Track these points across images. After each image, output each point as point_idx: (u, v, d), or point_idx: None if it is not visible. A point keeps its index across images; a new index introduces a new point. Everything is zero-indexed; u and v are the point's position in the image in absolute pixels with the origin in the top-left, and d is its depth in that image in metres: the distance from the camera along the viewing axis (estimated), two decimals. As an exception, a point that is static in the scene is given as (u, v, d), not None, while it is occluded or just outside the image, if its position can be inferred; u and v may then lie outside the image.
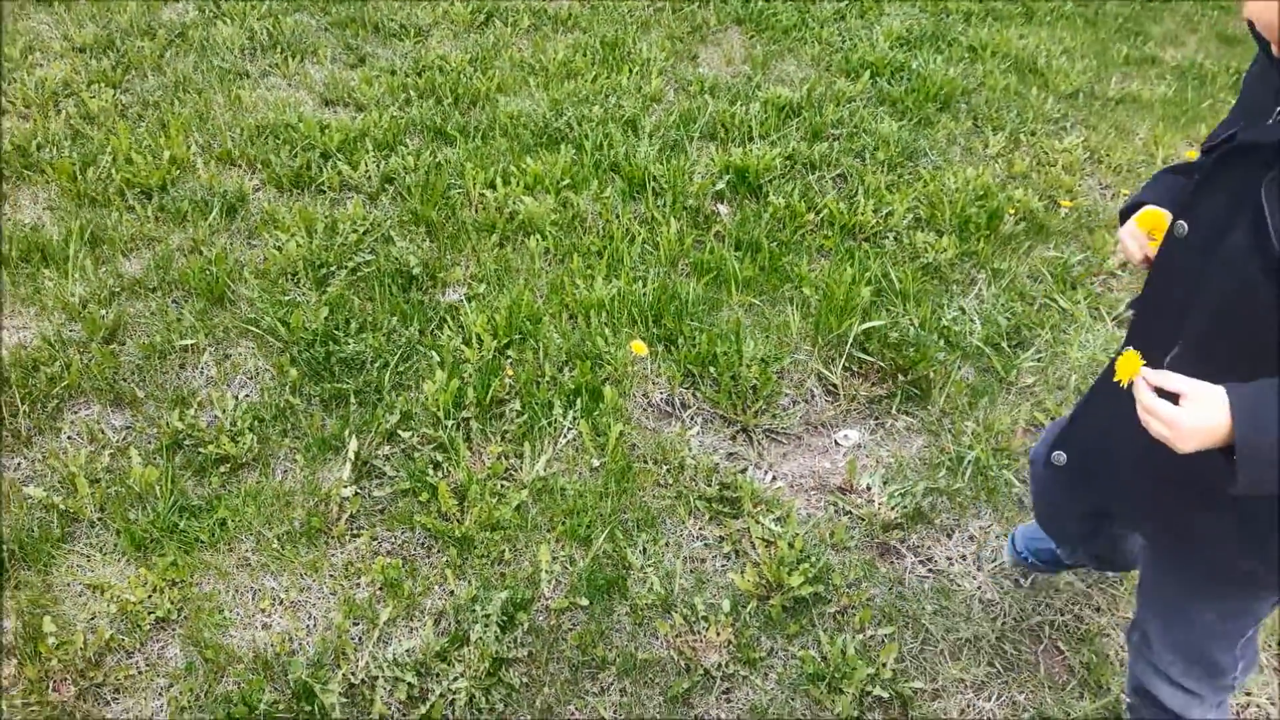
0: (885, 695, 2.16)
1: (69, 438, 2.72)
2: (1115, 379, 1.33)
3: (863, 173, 3.93)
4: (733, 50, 5.02)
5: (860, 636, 2.27)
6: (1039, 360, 3.08)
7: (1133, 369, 1.32)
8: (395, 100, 4.38)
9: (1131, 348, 1.32)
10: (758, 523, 2.51)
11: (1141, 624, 1.75)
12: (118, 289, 3.22)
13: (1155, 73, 5.10)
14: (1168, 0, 6.10)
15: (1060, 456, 1.67)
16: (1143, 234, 1.51)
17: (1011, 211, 3.72)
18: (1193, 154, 4.22)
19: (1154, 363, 1.34)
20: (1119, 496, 1.65)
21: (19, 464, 2.64)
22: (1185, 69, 5.16)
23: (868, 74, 4.69)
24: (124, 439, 2.72)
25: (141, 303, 3.18)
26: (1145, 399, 1.28)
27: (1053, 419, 2.85)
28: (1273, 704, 2.21)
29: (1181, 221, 1.38)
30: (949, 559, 2.49)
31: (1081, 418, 1.68)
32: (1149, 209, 1.50)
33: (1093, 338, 3.17)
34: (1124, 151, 4.24)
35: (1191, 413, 1.22)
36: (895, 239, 3.58)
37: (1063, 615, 2.36)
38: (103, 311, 3.11)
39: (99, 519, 2.50)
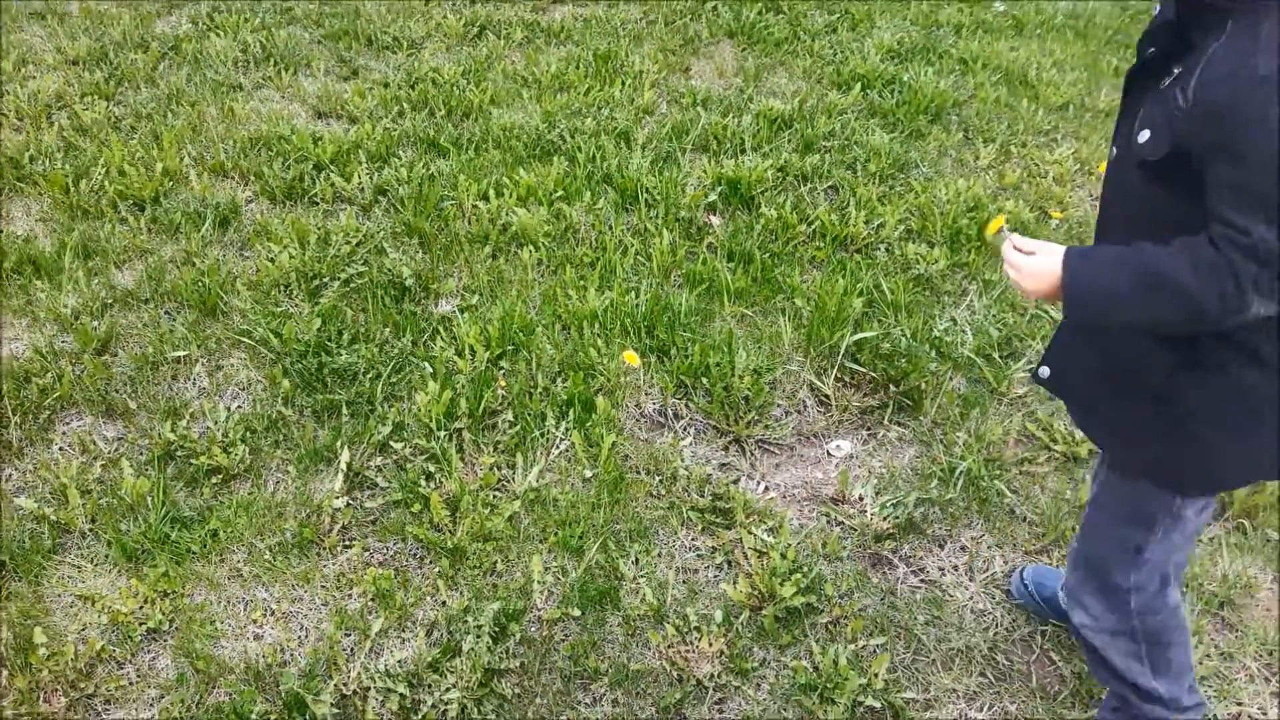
0: (877, 705, 2.16)
1: (61, 449, 2.72)
2: (986, 234, 1.64)
3: (854, 184, 3.95)
4: (725, 63, 5.04)
5: (852, 647, 2.27)
6: (1030, 371, 3.09)
7: (996, 225, 1.67)
8: (388, 112, 4.40)
9: (1001, 215, 1.64)
10: (750, 533, 2.51)
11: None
12: (110, 300, 3.22)
13: (1145, 85, 5.14)
14: (1157, 14, 6.15)
15: (1044, 370, 1.84)
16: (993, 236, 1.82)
17: (1003, 222, 3.73)
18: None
19: None
20: (1081, 406, 1.85)
21: (10, 475, 2.64)
22: (1174, 82, 5.20)
23: (859, 86, 4.71)
24: (116, 450, 2.72)
25: (134, 314, 3.18)
26: (1005, 252, 1.62)
27: (1044, 429, 2.86)
28: (1265, 713, 2.21)
29: (1114, 145, 1.65)
30: (941, 569, 2.50)
31: (1056, 338, 1.85)
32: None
33: (1083, 348, 3.18)
34: (1114, 163, 4.27)
35: (1036, 260, 1.56)
36: (887, 250, 3.59)
37: (1054, 625, 2.36)
38: (95, 323, 3.10)
39: (90, 530, 2.49)
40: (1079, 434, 2.81)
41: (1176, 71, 1.47)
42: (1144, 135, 1.49)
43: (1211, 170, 1.39)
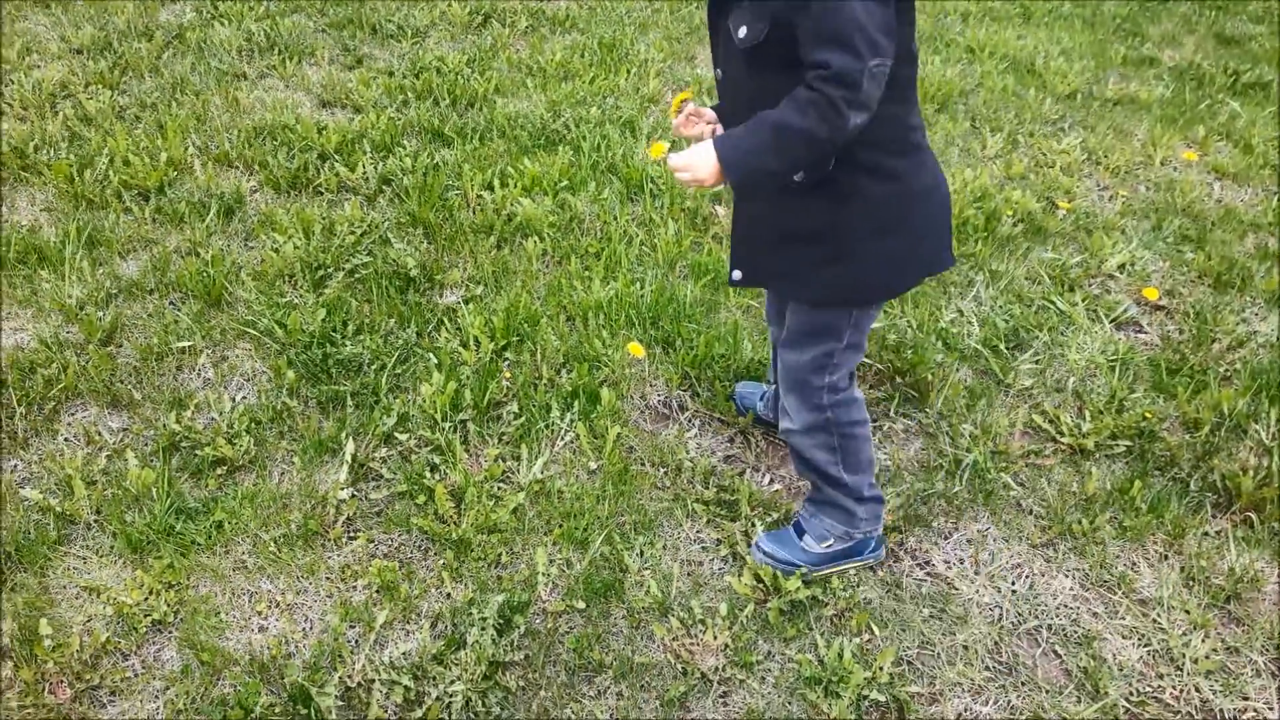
0: (882, 699, 2.16)
1: (66, 439, 2.72)
2: (650, 157, 1.96)
3: (861, 174, 3.92)
4: (731, 51, 5.01)
5: (857, 640, 2.27)
6: (1037, 362, 3.08)
7: (660, 150, 1.98)
8: (393, 101, 4.38)
9: (658, 143, 1.96)
10: (755, 525, 2.50)
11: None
12: (115, 291, 3.21)
13: (1153, 73, 5.11)
14: (1165, 1, 6.11)
15: (736, 274, 2.18)
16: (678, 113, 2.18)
17: (1009, 213, 3.72)
18: (1190, 154, 4.22)
19: None
20: (765, 273, 2.18)
21: (15, 466, 2.64)
22: (1183, 70, 5.16)
23: (866, 75, 4.68)
24: (121, 441, 2.72)
25: (139, 304, 3.18)
26: (672, 163, 1.88)
27: (1051, 421, 2.85)
28: (1270, 708, 2.20)
29: (717, 69, 2.04)
30: (946, 562, 2.49)
31: (733, 245, 2.22)
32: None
33: (1091, 340, 3.17)
34: (1122, 152, 4.24)
35: (695, 154, 1.84)
36: (893, 241, 3.57)
37: (1060, 619, 2.36)
38: (100, 313, 3.10)
39: (95, 521, 2.49)
40: (1085, 426, 2.80)
41: None
42: (742, 30, 1.83)
43: (802, 29, 1.72)
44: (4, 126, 4.04)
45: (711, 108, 2.19)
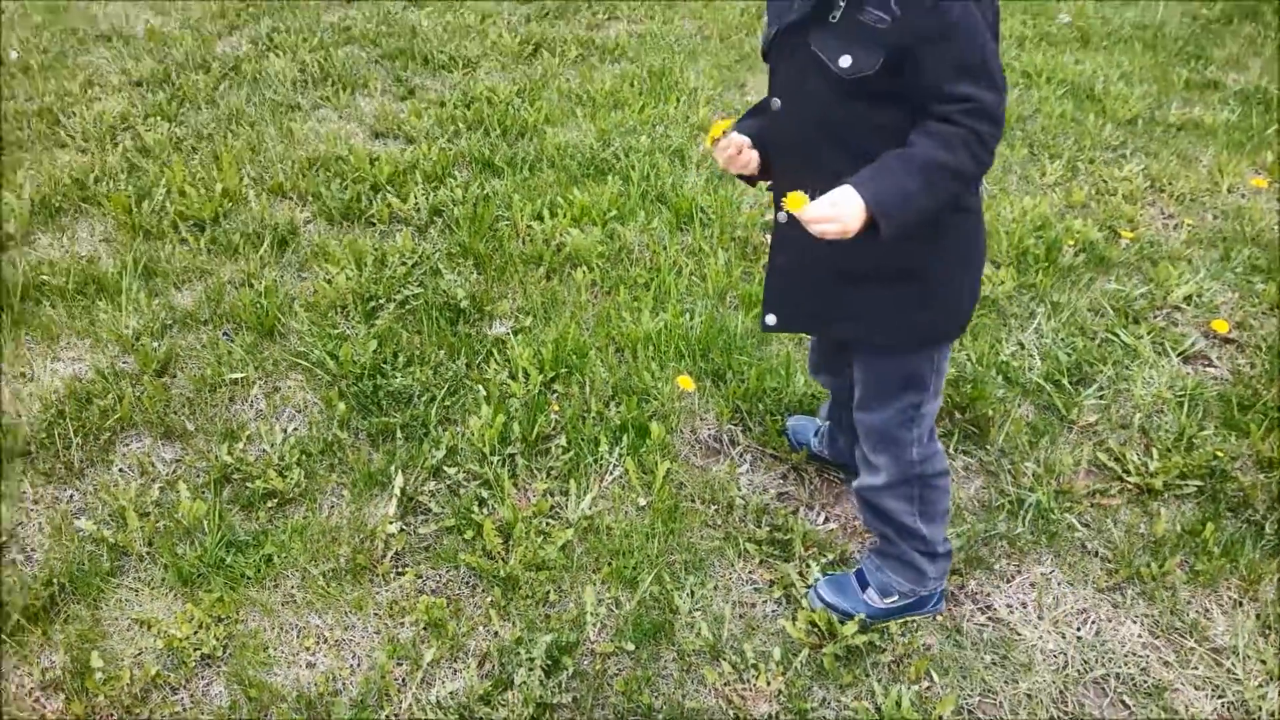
0: (943, 750, 2.08)
1: (120, 470, 2.74)
2: (784, 210, 1.74)
3: (915, 203, 3.86)
4: (782, 79, 4.98)
5: (916, 688, 2.19)
6: (1101, 398, 2.99)
7: (801, 202, 1.70)
8: (444, 132, 4.41)
9: (796, 191, 1.72)
10: (810, 566, 2.44)
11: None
12: (170, 321, 3.25)
13: (1218, 97, 4.98)
14: (1229, 23, 5.97)
15: (770, 319, 2.07)
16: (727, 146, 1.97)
17: (1070, 243, 3.63)
18: (1259, 181, 4.10)
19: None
20: (817, 319, 2.09)
21: (71, 496, 2.66)
22: (1249, 93, 5.03)
23: (920, 102, 4.62)
24: (173, 472, 2.73)
25: (193, 335, 3.21)
26: (812, 216, 1.68)
27: (1117, 459, 2.75)
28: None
29: (775, 99, 1.90)
30: (1009, 606, 2.41)
31: (770, 280, 2.08)
32: (718, 122, 1.99)
33: (1157, 374, 3.07)
34: (1187, 180, 4.13)
35: (843, 206, 1.66)
36: (949, 271, 3.50)
37: (1128, 667, 2.26)
38: (155, 344, 3.13)
39: (147, 553, 2.50)
40: (1153, 464, 2.70)
41: (844, 3, 1.72)
42: (845, 60, 1.72)
43: (931, 59, 1.65)
44: (66, 159, 4.12)
45: (736, 128, 2.04)
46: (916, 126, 1.70)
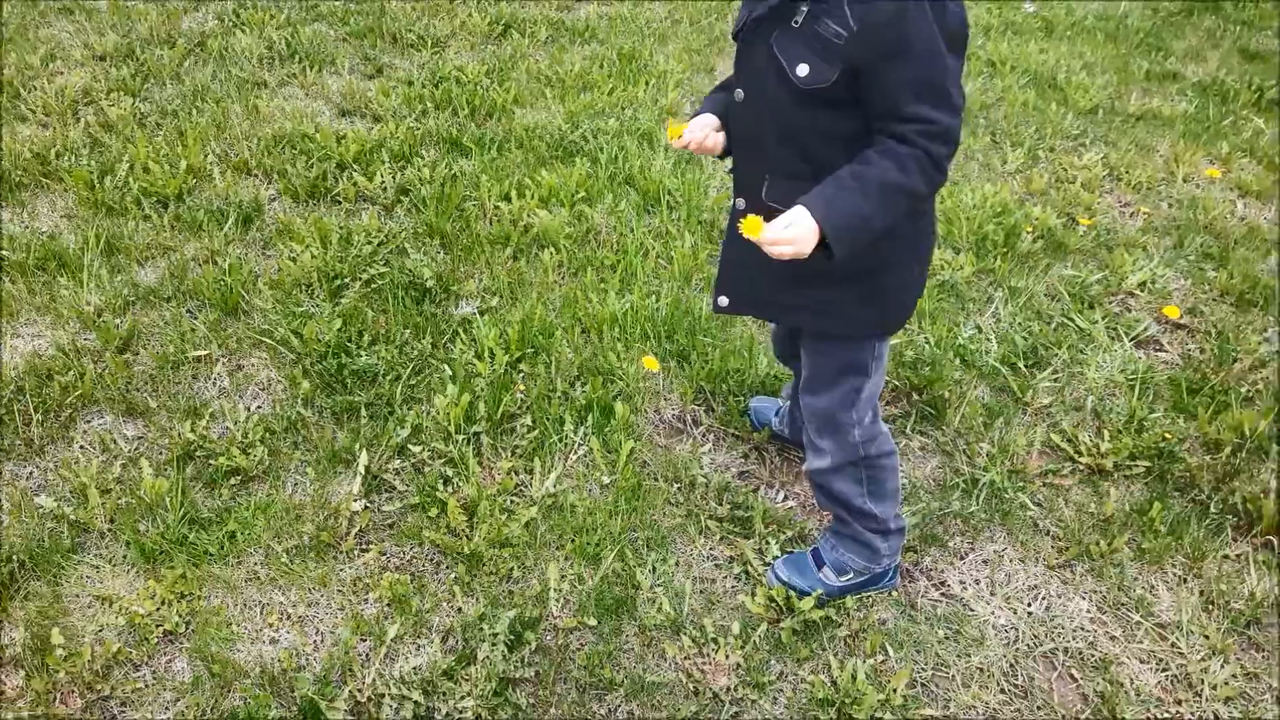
0: (896, 721, 2.13)
1: (81, 447, 2.73)
2: (743, 236, 1.75)
3: (879, 188, 3.91)
4: (750, 63, 5.00)
5: (871, 661, 2.25)
6: (1056, 381, 3.05)
7: (757, 228, 1.72)
8: (412, 111, 4.39)
9: (751, 214, 1.75)
10: (769, 543, 2.48)
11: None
12: (132, 298, 3.23)
13: (1176, 89, 5.07)
14: (1190, 16, 6.06)
15: (723, 300, 2.12)
16: (697, 129, 2.03)
17: (1029, 229, 3.69)
18: (1214, 171, 4.19)
19: (756, 194, 1.92)
20: (767, 306, 2.14)
21: (30, 473, 2.65)
22: (1207, 85, 5.12)
23: (885, 88, 4.66)
24: (135, 449, 2.72)
25: (156, 312, 3.19)
26: (768, 239, 1.71)
27: (1069, 440, 2.82)
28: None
29: (739, 89, 1.90)
30: (962, 582, 2.46)
31: (724, 265, 2.12)
32: (673, 123, 2.10)
33: (1110, 358, 3.14)
34: (1144, 168, 4.21)
35: (796, 228, 1.69)
36: (911, 256, 3.55)
37: (1076, 642, 2.33)
38: (117, 320, 3.12)
39: (109, 530, 2.50)
40: (1104, 445, 2.77)
41: (806, 9, 1.72)
42: (803, 69, 1.72)
43: (888, 77, 1.65)
44: (27, 133, 4.07)
45: (704, 103, 2.09)
46: (874, 142, 1.72)
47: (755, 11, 1.81)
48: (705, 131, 2.04)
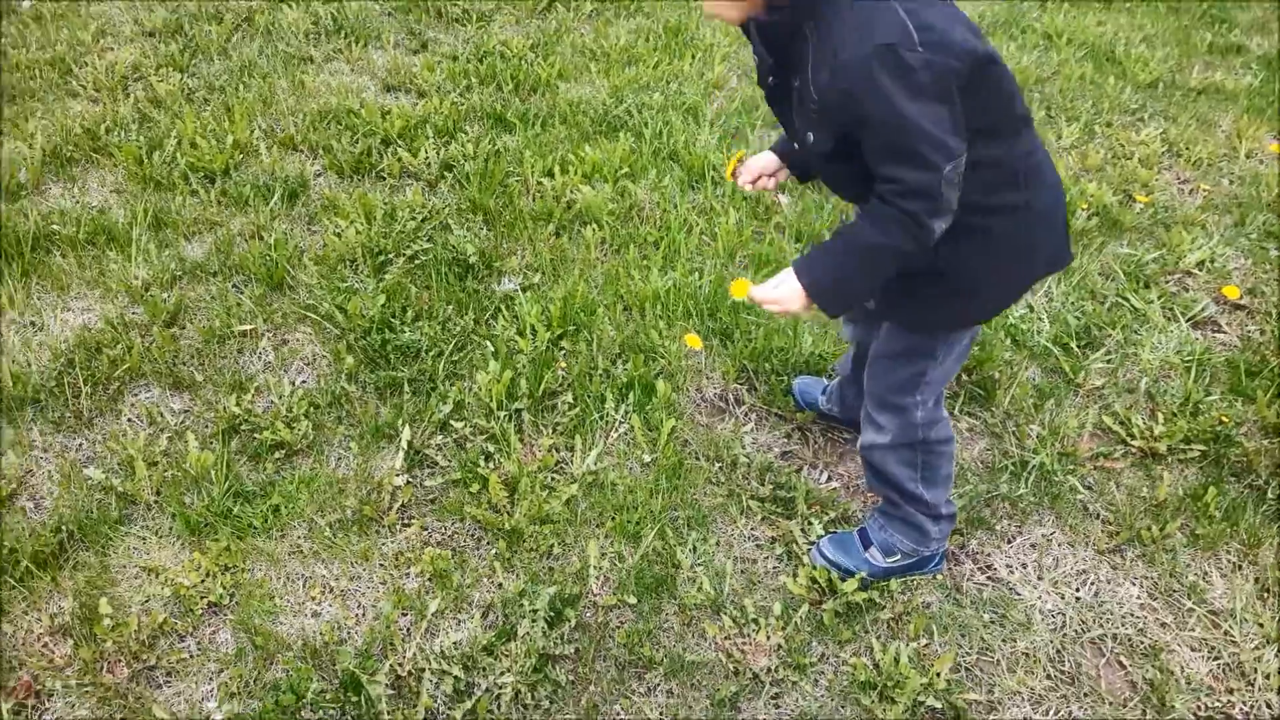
0: (939, 706, 2.10)
1: (129, 420, 2.76)
2: (732, 297, 1.96)
3: (929, 164, 3.83)
4: (798, 36, 4.92)
5: (914, 645, 2.21)
6: (1109, 362, 2.98)
7: (744, 288, 1.94)
8: (456, 86, 4.38)
9: (739, 279, 1.99)
10: (811, 523, 2.45)
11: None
12: (180, 273, 3.26)
13: (1240, 62, 4.90)
14: (1255, -15, 5.86)
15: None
16: (747, 172, 2.28)
17: (1084, 206, 3.60)
18: (1278, 147, 4.05)
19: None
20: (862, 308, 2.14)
21: (80, 445, 2.69)
22: (1272, 59, 4.94)
23: (936, 62, 4.56)
24: (182, 423, 2.75)
25: (202, 287, 3.22)
26: (758, 298, 1.90)
27: (1122, 423, 2.75)
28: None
29: (794, 142, 1.97)
30: (1009, 567, 2.42)
31: None
32: (732, 158, 2.32)
33: (1165, 339, 3.05)
34: (1205, 145, 4.08)
35: (784, 288, 1.87)
36: (961, 233, 3.48)
37: (1126, 628, 2.28)
38: (164, 295, 3.15)
39: (155, 502, 2.53)
40: (1158, 428, 2.70)
41: (796, 84, 1.80)
42: (810, 137, 1.81)
43: (865, 141, 1.69)
44: (78, 109, 4.12)
45: (772, 147, 2.27)
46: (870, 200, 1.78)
47: (768, 83, 1.89)
48: (755, 174, 2.25)
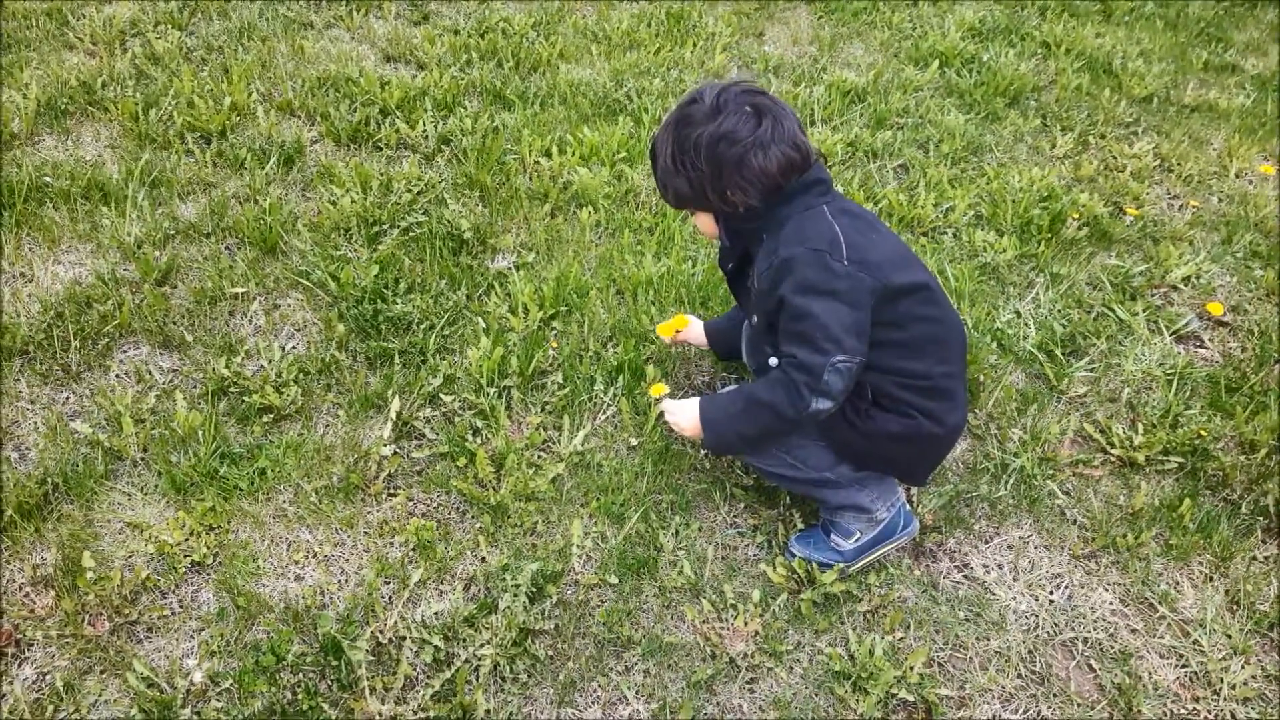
0: (910, 699, 2.14)
1: (117, 376, 2.75)
2: (653, 396, 2.58)
3: (925, 165, 3.86)
4: (800, 30, 4.94)
5: (889, 638, 2.25)
6: (1092, 370, 3.02)
7: (660, 390, 2.61)
8: (456, 60, 4.37)
9: (659, 383, 2.68)
10: (793, 514, 2.48)
11: None
12: (173, 232, 3.24)
13: (1234, 81, 4.95)
14: (1253, 8, 5.92)
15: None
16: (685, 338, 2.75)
17: (1075, 215, 3.64)
18: (1268, 168, 4.10)
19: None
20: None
21: (67, 398, 2.68)
22: (1266, 80, 5.00)
23: (937, 63, 4.59)
24: (170, 381, 2.75)
25: (195, 247, 3.20)
26: (664, 407, 2.31)
27: (1102, 431, 2.79)
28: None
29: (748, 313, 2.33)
30: (985, 566, 2.46)
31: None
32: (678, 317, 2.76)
33: (1149, 351, 3.10)
34: (1196, 161, 4.13)
35: (682, 414, 2.25)
36: (954, 235, 3.51)
37: (1097, 633, 2.32)
38: (157, 253, 3.13)
39: (142, 459, 2.53)
40: (1137, 438, 2.74)
41: (750, 272, 2.17)
42: (755, 318, 2.17)
43: (779, 323, 2.03)
44: (74, 61, 4.08)
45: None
46: None
47: (729, 265, 2.30)
48: (682, 341, 2.78)
